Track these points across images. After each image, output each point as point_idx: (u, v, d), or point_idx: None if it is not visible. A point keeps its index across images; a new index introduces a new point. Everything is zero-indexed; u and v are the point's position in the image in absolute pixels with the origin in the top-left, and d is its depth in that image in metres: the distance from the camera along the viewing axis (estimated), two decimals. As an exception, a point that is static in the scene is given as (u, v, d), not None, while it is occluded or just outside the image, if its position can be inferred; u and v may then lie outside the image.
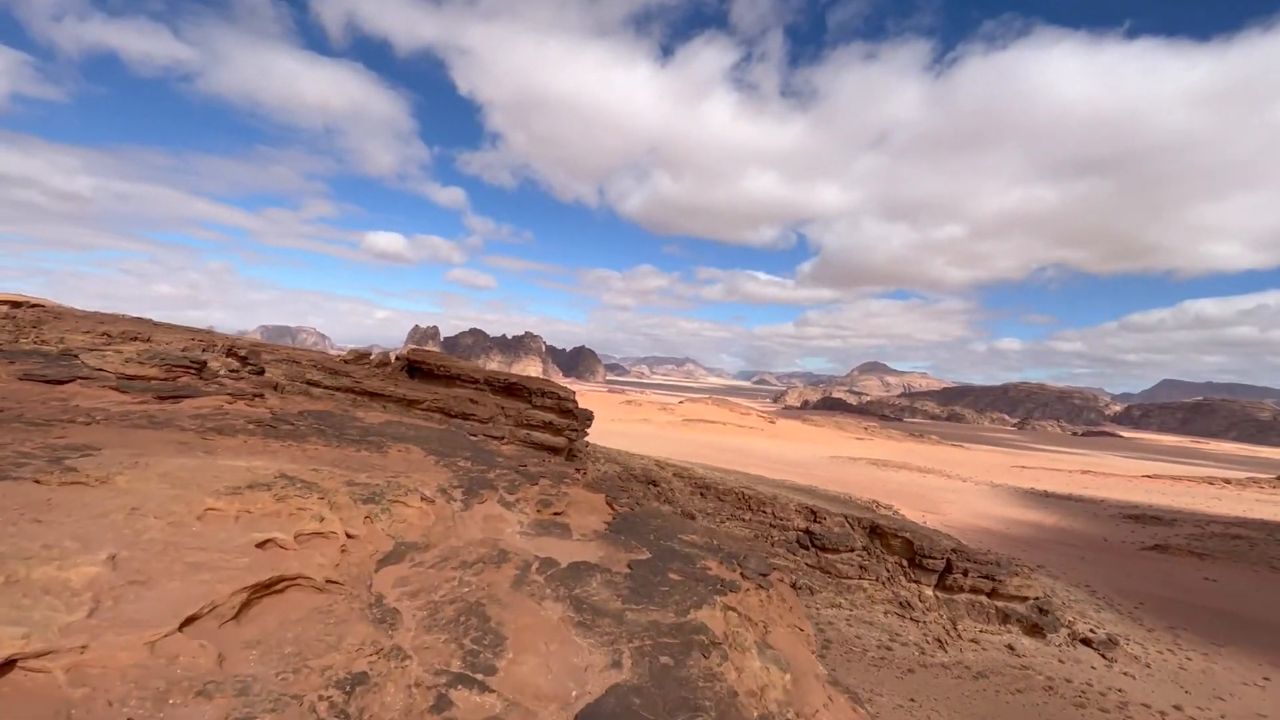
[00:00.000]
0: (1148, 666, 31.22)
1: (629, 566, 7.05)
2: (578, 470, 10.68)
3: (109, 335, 31.55)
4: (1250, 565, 54.12)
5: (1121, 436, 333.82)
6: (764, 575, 7.80)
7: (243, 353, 31.42)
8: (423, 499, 7.56)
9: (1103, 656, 31.72)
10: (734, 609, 6.60)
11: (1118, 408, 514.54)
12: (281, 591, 5.40)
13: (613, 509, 9.32)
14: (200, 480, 6.86)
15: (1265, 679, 31.15)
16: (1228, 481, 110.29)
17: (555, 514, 8.57)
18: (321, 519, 6.45)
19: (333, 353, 45.30)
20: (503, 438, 12.85)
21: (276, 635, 4.87)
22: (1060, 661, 30.95)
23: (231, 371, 30.48)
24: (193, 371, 15.13)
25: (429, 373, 40.80)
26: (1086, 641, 32.77)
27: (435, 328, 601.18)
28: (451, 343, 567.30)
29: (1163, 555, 57.63)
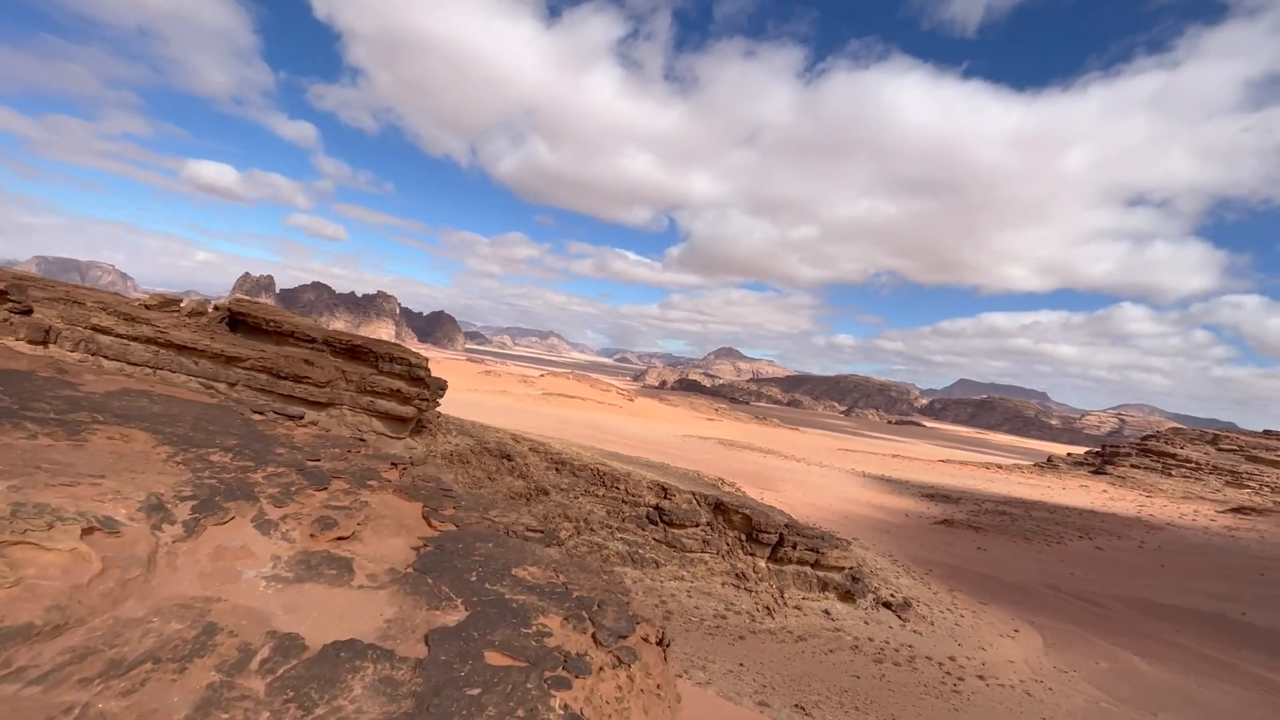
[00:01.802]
0: (932, 624, 36.11)
1: (427, 643, 4.26)
2: (394, 466, 7.99)
3: None
4: (1010, 537, 65.21)
5: (925, 426, 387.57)
6: (624, 638, 5.37)
7: (1, 286, 24.78)
8: (90, 530, 4.12)
9: (899, 617, 36.14)
10: (582, 721, 4.09)
11: (924, 401, 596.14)
12: None
13: (431, 525, 6.82)
14: None
15: (1016, 630, 37.49)
16: (1000, 467, 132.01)
17: (339, 539, 5.69)
18: None
19: (135, 296, 37.82)
20: (301, 416, 9.59)
21: None
22: (866, 623, 34.72)
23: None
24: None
25: (256, 327, 35.60)
26: (887, 605, 37.11)
27: (270, 277, 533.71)
28: (290, 296, 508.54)
29: (948, 528, 67.53)
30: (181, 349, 30.66)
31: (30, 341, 25.12)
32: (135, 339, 30.02)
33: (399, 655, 4.08)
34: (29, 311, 26.24)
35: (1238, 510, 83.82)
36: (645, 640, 5.58)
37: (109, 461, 5.82)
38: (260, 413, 8.35)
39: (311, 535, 5.57)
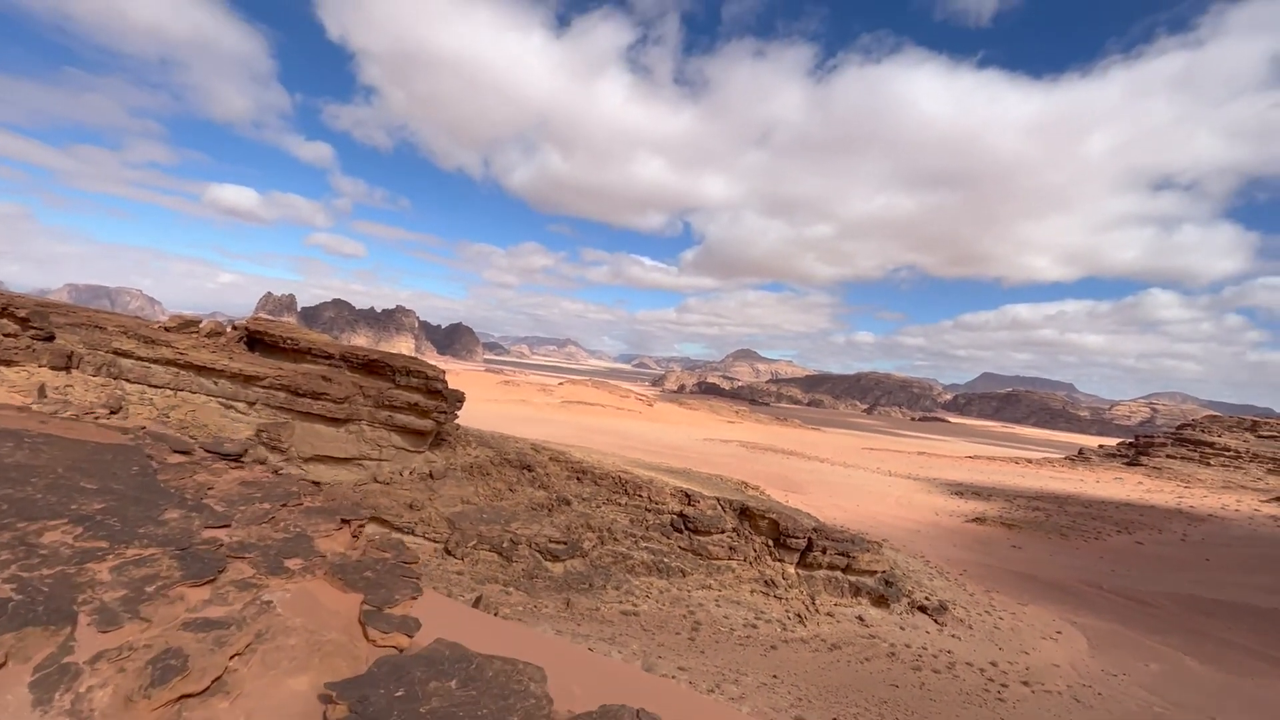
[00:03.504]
0: (970, 628, 34.86)
1: None
2: (343, 526, 5.60)
3: None
4: (1046, 534, 63.27)
5: (949, 421, 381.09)
6: None
7: (23, 313, 25.22)
8: None
9: (935, 621, 34.96)
10: None
11: (948, 396, 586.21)
12: None
13: (368, 638, 4.18)
14: None
15: (1058, 632, 36.06)
16: (1030, 461, 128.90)
17: (181, 698, 3.27)
18: None
19: (159, 319, 38.31)
20: (240, 455, 7.00)
21: None
22: (901, 629, 33.62)
23: (8, 335, 24.25)
24: None
25: (274, 345, 35.76)
26: (923, 609, 35.94)
27: (292, 296, 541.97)
28: (312, 314, 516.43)
29: (981, 526, 65.72)
30: (201, 369, 30.79)
31: (53, 368, 25.39)
32: (156, 361, 30.22)
33: None
34: (51, 338, 26.55)
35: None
36: None
37: None
38: (186, 452, 6.71)
39: (129, 698, 3.09)
